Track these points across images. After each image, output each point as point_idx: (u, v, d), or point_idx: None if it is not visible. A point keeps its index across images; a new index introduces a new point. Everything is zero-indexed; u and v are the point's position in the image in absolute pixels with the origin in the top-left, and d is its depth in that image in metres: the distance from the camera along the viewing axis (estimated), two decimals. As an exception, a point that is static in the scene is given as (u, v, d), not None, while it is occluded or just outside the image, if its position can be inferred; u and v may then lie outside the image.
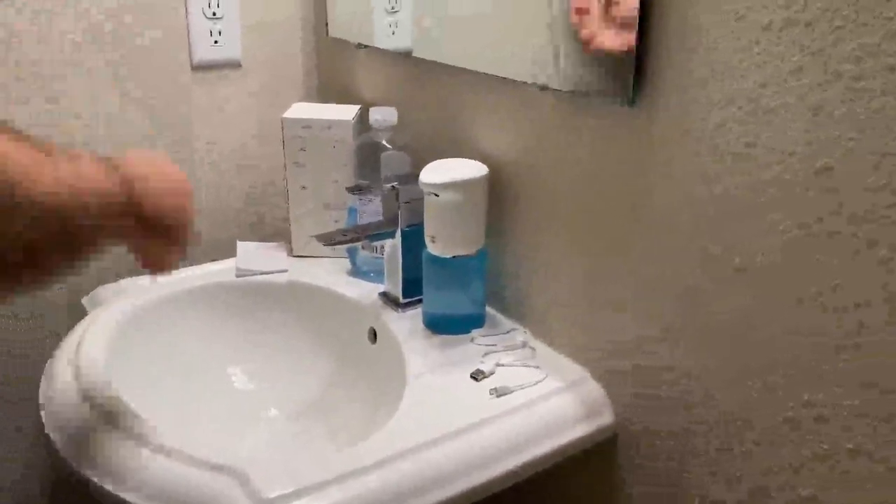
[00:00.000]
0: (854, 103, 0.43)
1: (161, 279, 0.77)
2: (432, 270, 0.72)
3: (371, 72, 0.91)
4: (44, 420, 0.61)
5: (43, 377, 0.66)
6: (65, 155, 0.45)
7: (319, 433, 0.75)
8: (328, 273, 0.84)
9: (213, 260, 0.87)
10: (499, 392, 0.63)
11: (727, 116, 0.50)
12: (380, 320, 0.76)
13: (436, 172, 0.69)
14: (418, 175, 0.69)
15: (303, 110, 0.87)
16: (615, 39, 0.53)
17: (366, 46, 0.89)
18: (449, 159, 0.72)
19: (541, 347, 0.70)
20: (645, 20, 0.53)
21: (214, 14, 0.90)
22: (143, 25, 0.87)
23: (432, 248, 0.71)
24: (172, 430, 0.58)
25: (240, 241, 0.94)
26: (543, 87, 0.63)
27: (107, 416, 0.59)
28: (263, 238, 0.99)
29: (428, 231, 0.71)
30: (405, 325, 0.74)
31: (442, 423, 0.59)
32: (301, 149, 0.85)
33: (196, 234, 0.58)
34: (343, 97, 0.95)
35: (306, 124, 0.84)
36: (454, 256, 0.70)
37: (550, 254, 0.68)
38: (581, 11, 0.55)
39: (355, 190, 0.81)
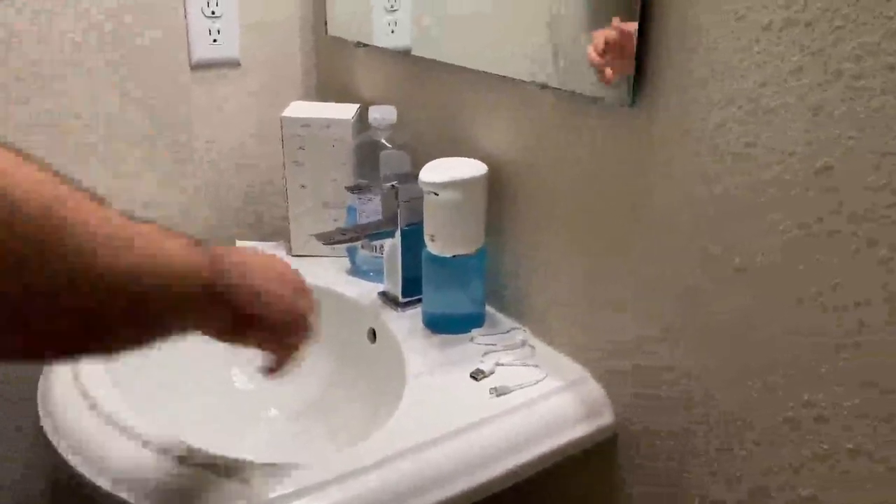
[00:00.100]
0: (854, 102, 0.43)
1: None
2: (432, 269, 0.72)
3: (370, 71, 0.91)
4: (42, 420, 0.61)
5: (41, 376, 0.66)
6: (149, 227, 0.41)
7: (319, 433, 0.75)
8: (327, 272, 0.84)
9: (213, 259, 0.86)
10: (498, 391, 0.63)
11: (727, 116, 0.50)
12: (379, 320, 0.76)
13: (435, 171, 0.69)
14: (418, 174, 0.69)
15: (302, 109, 0.87)
16: (627, 67, 0.55)
17: (365, 45, 0.88)
18: (448, 158, 0.72)
19: (540, 347, 0.70)
20: (645, 20, 0.53)
21: (213, 13, 0.90)
22: (143, 25, 0.86)
23: (432, 248, 0.71)
24: (172, 430, 0.58)
25: (239, 240, 0.94)
26: (543, 86, 0.63)
27: (106, 415, 0.59)
28: (262, 237, 0.99)
29: (427, 230, 0.70)
30: (405, 325, 0.74)
31: (441, 423, 0.59)
32: (300, 148, 0.85)
33: (313, 334, 0.53)
34: (342, 96, 0.95)
35: (305, 123, 0.84)
36: (454, 255, 0.70)
37: (550, 253, 0.68)
38: (601, 53, 0.56)
39: (354, 189, 0.81)
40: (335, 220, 0.87)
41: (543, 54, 0.62)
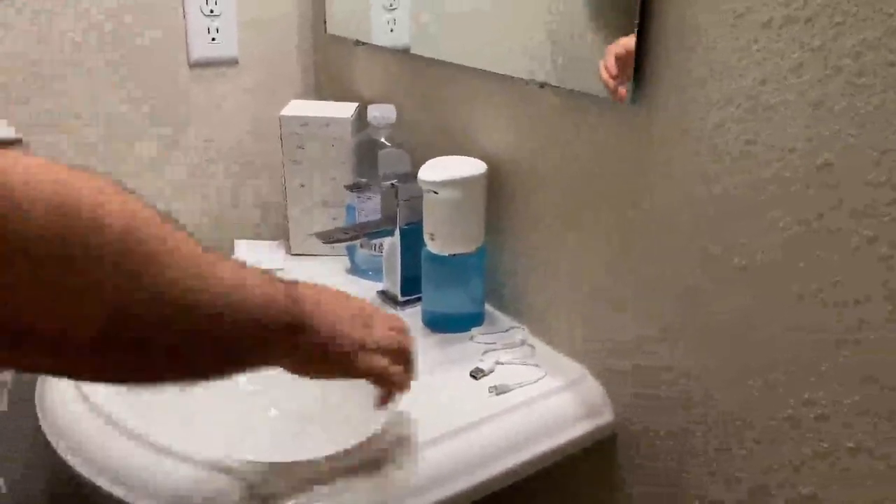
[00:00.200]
0: (854, 98, 0.42)
1: None
2: (431, 268, 0.72)
3: (369, 69, 0.91)
4: (41, 420, 0.61)
5: (39, 377, 0.66)
6: (228, 259, 0.41)
7: (319, 433, 0.75)
8: (327, 271, 0.84)
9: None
10: (498, 390, 0.63)
11: (726, 116, 0.50)
12: (379, 319, 0.75)
13: (434, 170, 0.69)
14: (417, 173, 0.69)
15: (301, 108, 0.87)
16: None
17: (364, 43, 0.88)
18: (448, 157, 0.71)
19: (540, 346, 0.70)
20: (644, 19, 0.53)
21: (212, 11, 0.90)
22: (143, 25, 0.86)
23: (431, 246, 0.71)
24: (173, 430, 0.58)
25: (237, 239, 0.94)
26: (543, 85, 0.63)
27: (106, 416, 0.59)
28: (261, 236, 0.99)
29: (427, 229, 0.70)
30: (404, 324, 0.74)
31: (441, 422, 0.58)
32: (299, 146, 0.85)
33: (410, 361, 0.54)
34: (341, 95, 0.94)
35: (304, 122, 0.84)
36: (453, 254, 0.70)
37: (550, 252, 0.68)
38: (615, 76, 0.56)
39: (354, 188, 0.81)
40: (334, 219, 0.86)
41: (542, 52, 0.62)
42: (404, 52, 0.81)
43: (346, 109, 0.86)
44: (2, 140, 0.30)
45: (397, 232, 0.74)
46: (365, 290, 0.80)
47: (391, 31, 0.84)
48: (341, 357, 0.48)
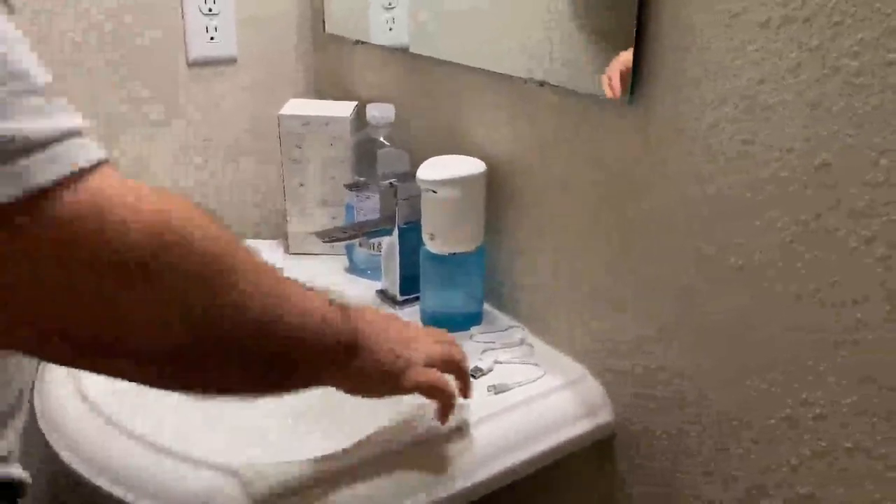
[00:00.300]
0: (853, 98, 0.42)
1: None
2: (430, 267, 0.72)
3: (368, 68, 0.90)
4: (39, 420, 0.61)
5: (37, 377, 0.66)
6: (294, 282, 0.43)
7: (318, 432, 0.75)
8: (325, 270, 0.84)
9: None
10: (497, 389, 0.63)
11: (720, 116, 0.49)
12: (378, 318, 0.75)
13: (433, 169, 0.69)
14: (416, 172, 0.69)
15: (300, 107, 0.87)
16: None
17: (363, 42, 0.88)
18: (447, 156, 0.71)
19: (539, 345, 0.70)
20: (641, 17, 0.53)
21: (210, 10, 0.90)
22: (142, 25, 0.86)
23: (431, 246, 0.71)
24: (172, 430, 0.58)
25: (237, 238, 0.94)
26: (541, 83, 0.63)
27: (106, 416, 0.59)
28: (260, 235, 0.99)
29: (426, 228, 0.70)
30: (403, 323, 0.73)
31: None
32: (298, 146, 0.85)
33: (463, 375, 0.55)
34: (340, 94, 0.94)
35: (303, 121, 0.84)
36: (452, 253, 0.70)
37: (549, 251, 0.68)
38: (615, 89, 0.57)
39: (353, 187, 0.81)
40: (333, 218, 0.87)
41: (541, 51, 0.62)
42: (403, 51, 0.81)
43: (345, 108, 0.86)
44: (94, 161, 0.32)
45: (396, 231, 0.74)
46: (363, 289, 0.80)
47: (390, 30, 0.84)
48: (392, 374, 0.50)
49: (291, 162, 0.86)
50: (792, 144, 0.46)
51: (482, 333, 0.71)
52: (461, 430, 0.57)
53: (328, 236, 0.76)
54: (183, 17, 0.88)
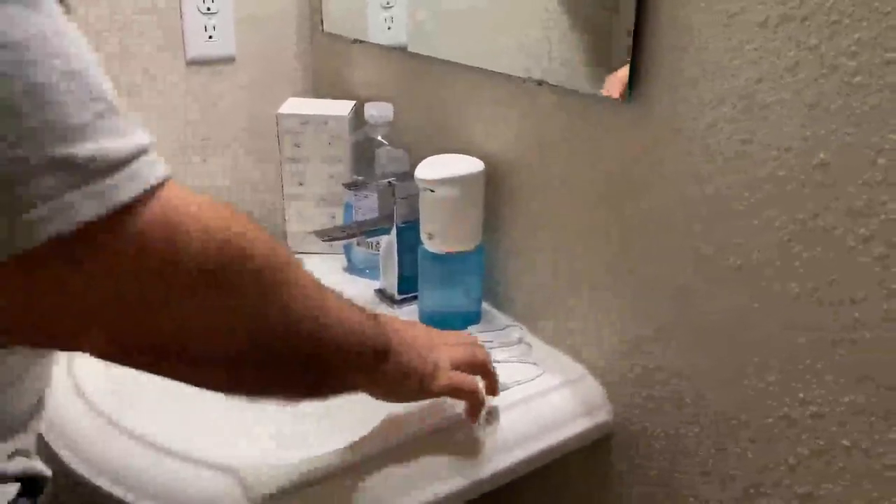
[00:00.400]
0: (851, 98, 0.42)
1: None
2: (429, 267, 0.72)
3: (366, 67, 0.90)
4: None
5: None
6: (333, 293, 0.45)
7: (317, 432, 0.75)
8: (324, 269, 0.83)
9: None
10: (496, 389, 0.63)
11: (718, 116, 0.49)
12: (376, 317, 0.75)
13: (432, 168, 0.69)
14: (414, 171, 0.69)
15: (298, 106, 0.87)
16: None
17: (361, 41, 0.88)
18: (445, 155, 0.71)
19: (538, 344, 0.70)
20: (639, 19, 0.53)
21: (209, 9, 0.89)
22: (142, 24, 0.86)
23: (429, 245, 0.71)
24: (172, 430, 0.58)
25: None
26: (540, 83, 0.63)
27: (106, 416, 0.59)
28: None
29: (424, 227, 0.70)
30: (402, 322, 0.73)
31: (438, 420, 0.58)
32: (296, 144, 0.85)
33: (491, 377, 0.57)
34: (338, 93, 0.94)
35: (301, 120, 0.84)
36: (451, 252, 0.70)
37: (547, 250, 0.68)
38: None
39: (351, 186, 0.81)
40: (332, 217, 0.86)
41: (539, 50, 0.62)
42: (401, 50, 0.81)
43: (344, 107, 0.86)
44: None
45: (394, 230, 0.74)
46: (362, 288, 0.80)
47: (388, 29, 0.84)
48: (420, 379, 0.52)
49: (290, 161, 0.86)
50: (790, 144, 0.46)
51: (480, 332, 0.71)
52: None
53: (327, 235, 0.76)
54: (181, 16, 0.88)
